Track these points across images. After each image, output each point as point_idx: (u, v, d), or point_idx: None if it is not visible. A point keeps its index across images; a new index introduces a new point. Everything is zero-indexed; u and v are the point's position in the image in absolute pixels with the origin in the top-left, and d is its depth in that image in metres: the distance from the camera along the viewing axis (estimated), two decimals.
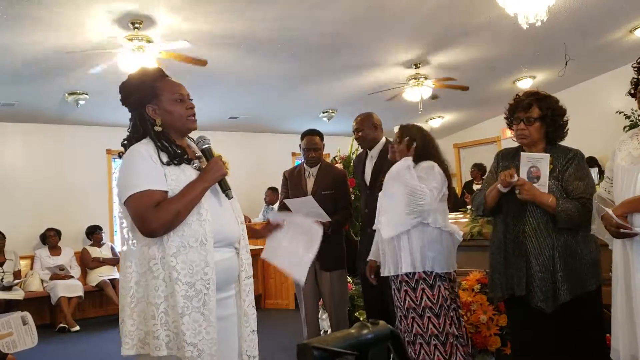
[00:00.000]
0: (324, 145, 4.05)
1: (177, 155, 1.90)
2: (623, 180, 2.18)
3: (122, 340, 1.84)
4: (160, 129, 1.94)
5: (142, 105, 1.96)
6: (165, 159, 1.88)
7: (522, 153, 2.51)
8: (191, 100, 2.02)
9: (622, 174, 2.19)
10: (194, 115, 2.00)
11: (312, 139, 3.97)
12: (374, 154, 3.77)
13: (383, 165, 3.56)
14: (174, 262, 1.80)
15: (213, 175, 1.91)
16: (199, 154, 2.04)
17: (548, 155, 2.44)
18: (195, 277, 1.81)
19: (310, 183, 3.95)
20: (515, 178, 2.46)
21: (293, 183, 4.03)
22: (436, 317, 2.90)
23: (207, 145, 2.01)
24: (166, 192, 1.85)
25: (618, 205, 2.14)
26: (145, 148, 1.89)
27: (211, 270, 1.82)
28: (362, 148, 3.90)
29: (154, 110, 1.95)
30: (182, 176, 1.88)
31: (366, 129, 3.76)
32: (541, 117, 2.52)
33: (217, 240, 1.88)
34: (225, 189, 1.96)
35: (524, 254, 2.48)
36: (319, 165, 3.98)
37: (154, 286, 1.81)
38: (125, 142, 1.97)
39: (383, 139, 3.81)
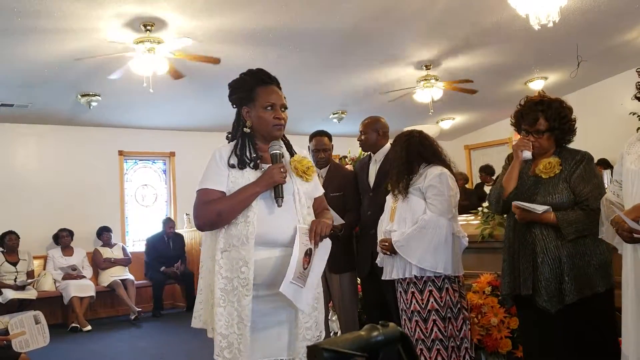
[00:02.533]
0: (332, 146, 4.04)
1: (242, 161, 2.04)
2: (633, 184, 2.14)
3: (193, 315, 2.12)
4: (248, 130, 2.08)
5: (240, 105, 2.13)
6: (232, 161, 2.04)
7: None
8: (284, 110, 2.12)
9: (632, 177, 2.15)
10: (279, 124, 2.09)
11: (320, 140, 3.97)
12: (378, 157, 3.75)
13: (388, 169, 3.55)
14: (219, 256, 1.97)
15: (266, 181, 2.00)
16: (287, 159, 2.13)
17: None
18: (234, 273, 1.94)
19: None
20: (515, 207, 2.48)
21: None
22: (442, 321, 2.89)
23: (275, 152, 2.08)
24: (223, 192, 2.01)
25: (630, 209, 2.10)
26: (219, 151, 2.07)
27: (248, 270, 1.93)
28: (363, 151, 3.88)
29: (248, 112, 2.10)
30: (240, 179, 2.02)
31: (369, 132, 3.72)
32: (549, 129, 2.49)
33: (263, 241, 1.97)
34: (277, 196, 2.00)
35: (531, 254, 2.48)
36: (328, 167, 3.98)
37: (209, 276, 2.03)
38: (228, 136, 2.18)
39: (387, 145, 3.79)
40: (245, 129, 2.08)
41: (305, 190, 2.13)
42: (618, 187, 2.29)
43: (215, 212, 1.96)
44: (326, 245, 2.09)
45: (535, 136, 2.50)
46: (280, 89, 2.17)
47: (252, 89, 2.09)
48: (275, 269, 1.99)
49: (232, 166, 2.02)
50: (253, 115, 2.08)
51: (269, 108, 2.07)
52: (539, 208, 2.39)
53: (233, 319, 1.92)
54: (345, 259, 3.84)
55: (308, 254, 2.01)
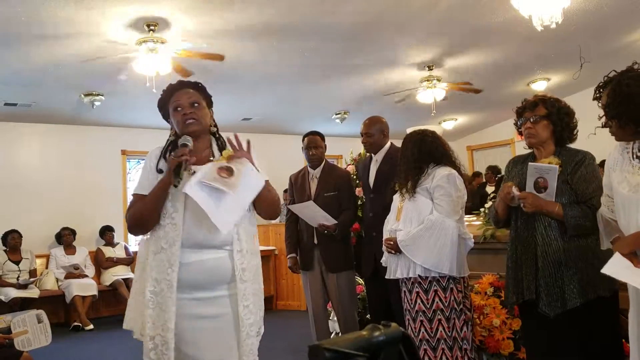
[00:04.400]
0: (325, 145, 4.04)
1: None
2: (624, 209, 2.07)
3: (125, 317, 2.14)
4: (173, 138, 2.15)
5: (167, 119, 2.20)
6: (161, 166, 2.09)
7: (529, 163, 2.49)
8: (196, 105, 2.11)
9: (622, 201, 2.08)
10: (188, 118, 2.09)
11: (312, 138, 3.99)
12: (378, 157, 3.75)
13: (388, 169, 3.54)
14: (151, 258, 2.00)
15: (168, 168, 1.98)
16: (217, 157, 2.12)
17: (556, 167, 2.40)
18: (161, 275, 1.96)
19: (313, 185, 3.95)
20: (516, 192, 2.45)
21: (297, 186, 4.04)
22: (446, 321, 2.89)
23: (182, 142, 2.04)
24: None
25: (624, 243, 2.03)
26: (150, 156, 2.13)
27: (173, 272, 1.94)
28: (368, 152, 3.88)
29: (171, 123, 2.18)
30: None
31: (376, 134, 3.71)
32: (547, 115, 2.52)
33: (193, 243, 1.97)
34: (175, 176, 1.94)
35: (533, 258, 2.47)
36: (322, 167, 3.98)
37: (142, 278, 2.04)
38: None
39: (388, 143, 3.79)
40: (170, 137, 2.16)
41: None
42: (611, 201, 2.24)
43: (136, 213, 2.02)
44: (252, 176, 2.02)
45: (533, 122, 2.53)
46: (199, 90, 2.17)
47: (165, 103, 2.17)
48: (208, 271, 2.00)
49: (160, 171, 2.06)
50: (173, 122, 2.15)
51: (178, 109, 2.11)
52: (552, 167, 2.39)
53: (159, 321, 1.93)
54: (342, 258, 3.85)
55: (225, 169, 1.95)
